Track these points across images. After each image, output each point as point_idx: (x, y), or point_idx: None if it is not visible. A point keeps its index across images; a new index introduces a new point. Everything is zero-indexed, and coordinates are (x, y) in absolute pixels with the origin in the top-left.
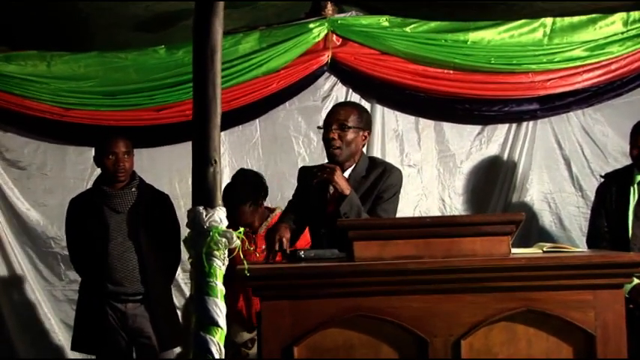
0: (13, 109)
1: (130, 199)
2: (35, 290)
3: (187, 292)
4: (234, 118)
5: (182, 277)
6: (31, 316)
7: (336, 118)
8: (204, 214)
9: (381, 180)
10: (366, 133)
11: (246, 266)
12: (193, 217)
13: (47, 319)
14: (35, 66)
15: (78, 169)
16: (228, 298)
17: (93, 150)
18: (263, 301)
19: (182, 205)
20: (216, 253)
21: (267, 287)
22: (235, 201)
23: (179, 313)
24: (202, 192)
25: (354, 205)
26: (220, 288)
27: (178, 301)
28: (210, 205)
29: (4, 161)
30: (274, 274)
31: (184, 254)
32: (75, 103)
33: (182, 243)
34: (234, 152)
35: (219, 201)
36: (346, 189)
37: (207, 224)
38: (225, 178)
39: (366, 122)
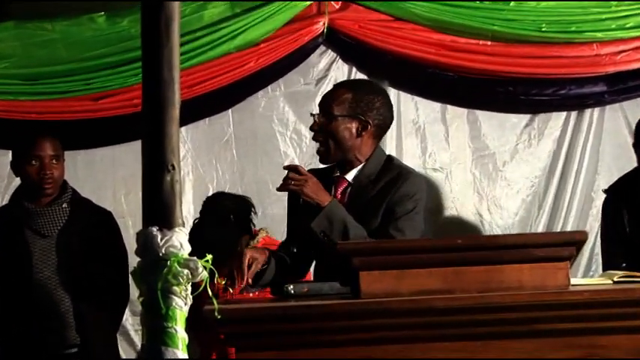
0: None
1: (60, 218)
2: None
3: (138, 343)
4: (199, 108)
5: (131, 322)
6: None
7: (321, 104)
8: (159, 237)
9: (392, 188)
10: (365, 123)
11: (216, 306)
12: (144, 242)
13: None
14: None
15: None
16: (195, 349)
17: (9, 154)
18: (240, 352)
19: (130, 225)
20: (175, 288)
21: (245, 334)
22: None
23: None
24: (156, 208)
25: (335, 219)
26: (182, 336)
27: (126, 354)
28: (167, 225)
29: None
30: (255, 316)
31: (134, 291)
32: None
33: (130, 276)
34: (199, 154)
35: (179, 220)
36: (323, 199)
37: (164, 250)
38: (188, 189)
39: (366, 108)
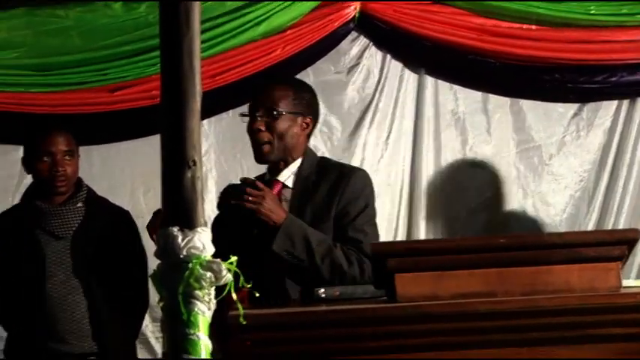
0: None
1: (75, 218)
2: None
3: (159, 351)
4: (222, 100)
5: (151, 329)
6: None
7: (262, 101)
8: (180, 237)
9: (338, 189)
10: (307, 120)
11: (241, 311)
12: (164, 243)
13: None
14: None
15: (0, 176)
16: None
17: (20, 149)
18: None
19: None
20: (197, 292)
21: (273, 341)
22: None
23: None
24: (176, 206)
25: (295, 236)
26: (205, 343)
27: None
28: (189, 224)
29: None
30: (283, 322)
31: (154, 295)
32: None
33: (150, 279)
34: (222, 149)
35: (201, 219)
36: (279, 217)
37: (185, 252)
38: (211, 186)
39: (307, 105)
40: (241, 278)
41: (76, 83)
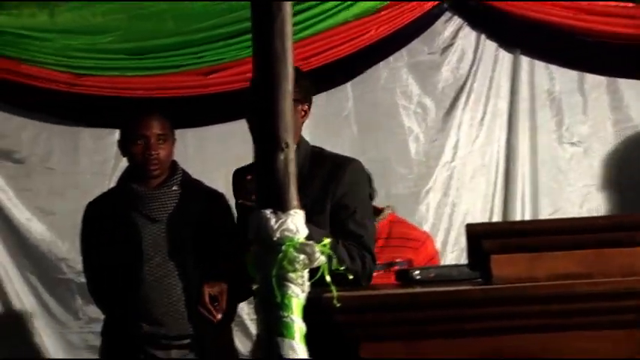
0: (5, 78)
1: (171, 201)
2: (41, 333)
3: (254, 332)
4: (316, 81)
5: (247, 312)
6: None
7: None
8: (273, 220)
9: (332, 180)
10: (305, 107)
11: (334, 294)
12: (258, 226)
13: None
14: (33, 16)
15: (96, 160)
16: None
17: (116, 133)
18: (363, 342)
19: None
20: (291, 275)
21: (366, 323)
22: None
23: None
24: (269, 189)
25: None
26: (299, 326)
27: (242, 344)
28: (282, 207)
29: None
30: (377, 303)
31: None
32: (90, 67)
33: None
34: (317, 131)
35: (294, 201)
36: None
37: (278, 234)
38: None
39: (306, 92)
40: (334, 260)
41: (171, 67)
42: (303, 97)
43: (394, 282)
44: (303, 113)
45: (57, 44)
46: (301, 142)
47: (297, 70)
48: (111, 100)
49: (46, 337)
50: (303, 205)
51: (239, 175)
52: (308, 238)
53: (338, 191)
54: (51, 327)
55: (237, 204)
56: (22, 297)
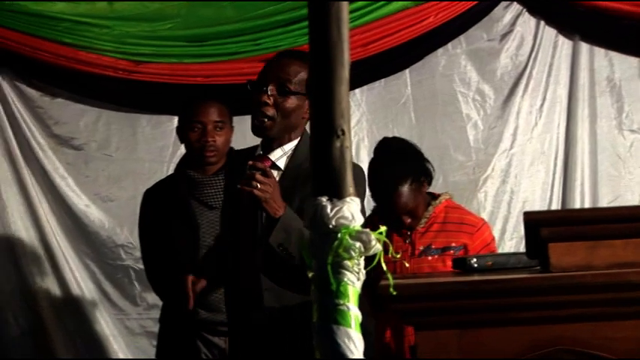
0: (64, 65)
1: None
2: (100, 320)
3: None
4: (373, 68)
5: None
6: (96, 355)
7: (276, 75)
8: (329, 207)
9: None
10: None
11: (391, 281)
12: (313, 213)
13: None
14: (92, 3)
15: (154, 147)
16: (376, 327)
17: (175, 119)
18: (419, 330)
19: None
20: (346, 263)
21: (424, 311)
22: (389, 179)
23: None
24: (325, 176)
25: (292, 229)
26: (355, 314)
27: None
28: (338, 194)
29: (52, 138)
30: (434, 292)
31: None
32: (148, 54)
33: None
34: (374, 118)
35: (350, 189)
36: (279, 209)
37: (334, 222)
38: (363, 155)
39: None
40: (391, 248)
41: (230, 53)
42: None
43: (449, 267)
44: (307, 109)
45: (115, 31)
46: (303, 137)
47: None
48: (169, 87)
49: (105, 323)
50: (293, 202)
51: (238, 158)
52: (286, 231)
53: None
54: (110, 313)
55: (227, 187)
56: (82, 283)
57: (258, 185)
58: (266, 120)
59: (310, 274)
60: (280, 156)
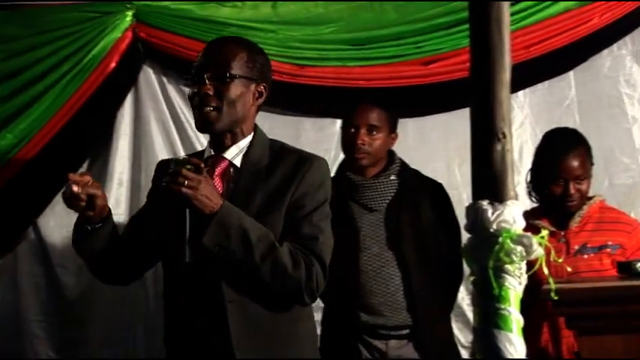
0: None
1: (388, 191)
2: None
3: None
4: (536, 70)
5: (467, 302)
6: None
7: (212, 61)
8: (490, 211)
9: (296, 176)
10: (261, 88)
11: (552, 286)
12: (474, 216)
13: None
14: (256, 8)
15: (318, 150)
16: (527, 332)
17: (338, 123)
18: (581, 335)
19: (465, 198)
20: (508, 267)
21: (588, 316)
22: (564, 143)
23: (465, 353)
24: (486, 179)
25: (231, 227)
26: (516, 317)
27: (463, 335)
28: (498, 198)
29: None
30: (598, 297)
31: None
32: (312, 58)
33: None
34: (537, 120)
35: (511, 192)
36: (214, 205)
37: (495, 226)
38: (527, 157)
39: (261, 70)
40: (552, 252)
41: (392, 57)
42: (259, 76)
43: (605, 265)
44: (257, 95)
45: (280, 35)
46: (257, 132)
47: (251, 42)
48: (332, 91)
49: None
50: (254, 201)
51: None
52: (244, 235)
53: (300, 188)
54: None
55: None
56: None
57: (186, 182)
58: (210, 109)
59: (471, 278)
60: (236, 154)
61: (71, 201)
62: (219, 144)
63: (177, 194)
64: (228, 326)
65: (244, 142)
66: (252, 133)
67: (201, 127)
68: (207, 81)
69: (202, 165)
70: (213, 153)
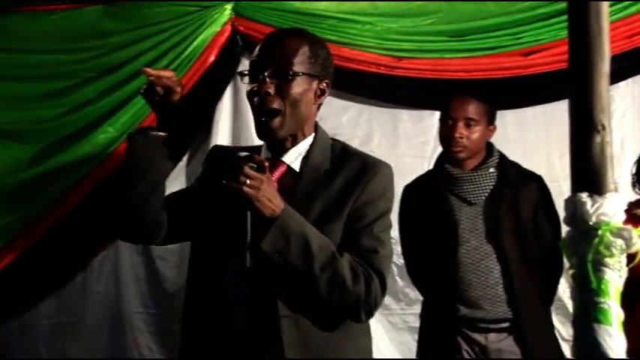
0: None
1: (487, 184)
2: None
3: None
4: (639, 60)
5: (568, 295)
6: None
7: (272, 57)
8: (589, 204)
9: (359, 183)
10: (323, 85)
11: None
12: (573, 209)
13: (381, 354)
14: (355, 0)
15: (416, 142)
16: (628, 328)
17: (436, 115)
18: None
19: (565, 190)
20: (608, 260)
21: None
22: None
23: (565, 347)
24: (585, 172)
25: (293, 234)
26: (617, 312)
27: (564, 328)
28: (598, 190)
29: None
30: None
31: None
32: (410, 50)
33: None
34: None
35: (611, 185)
36: (276, 208)
37: (594, 219)
38: (629, 151)
39: (323, 65)
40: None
41: (491, 48)
42: (321, 72)
43: None
44: (319, 92)
45: (378, 27)
46: (318, 133)
47: (313, 36)
48: (430, 83)
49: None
50: (313, 209)
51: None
52: (306, 243)
53: (362, 196)
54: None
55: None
56: None
57: (248, 181)
58: (274, 118)
59: (570, 272)
60: (295, 158)
61: (147, 92)
62: (278, 146)
63: (238, 193)
64: (282, 340)
65: (304, 145)
66: (313, 134)
67: (263, 135)
68: (267, 79)
69: (266, 163)
70: (270, 155)
